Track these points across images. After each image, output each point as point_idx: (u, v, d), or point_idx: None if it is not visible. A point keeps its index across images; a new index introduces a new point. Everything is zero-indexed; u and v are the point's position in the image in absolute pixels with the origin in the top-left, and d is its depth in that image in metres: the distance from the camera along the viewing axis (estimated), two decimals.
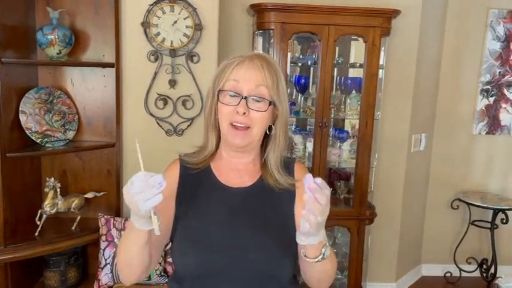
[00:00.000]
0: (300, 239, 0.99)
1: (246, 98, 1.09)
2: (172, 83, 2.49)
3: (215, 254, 1.08)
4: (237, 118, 1.10)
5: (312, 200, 0.90)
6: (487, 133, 3.47)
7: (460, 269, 3.47)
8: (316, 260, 1.01)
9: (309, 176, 0.90)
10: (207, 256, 1.08)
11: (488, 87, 3.40)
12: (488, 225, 3.34)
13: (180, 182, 1.17)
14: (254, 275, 1.09)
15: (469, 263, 3.53)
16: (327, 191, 0.91)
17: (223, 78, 1.13)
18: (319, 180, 0.89)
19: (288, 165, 1.22)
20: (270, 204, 1.17)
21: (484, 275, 3.44)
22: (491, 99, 3.42)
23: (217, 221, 1.12)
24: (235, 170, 1.19)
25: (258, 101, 1.11)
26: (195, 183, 1.17)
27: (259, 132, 1.14)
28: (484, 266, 3.46)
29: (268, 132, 1.17)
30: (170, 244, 1.20)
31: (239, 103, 1.09)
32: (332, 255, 1.09)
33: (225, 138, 1.15)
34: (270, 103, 1.12)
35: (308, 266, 1.07)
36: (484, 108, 3.43)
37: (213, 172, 1.19)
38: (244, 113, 1.09)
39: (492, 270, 3.36)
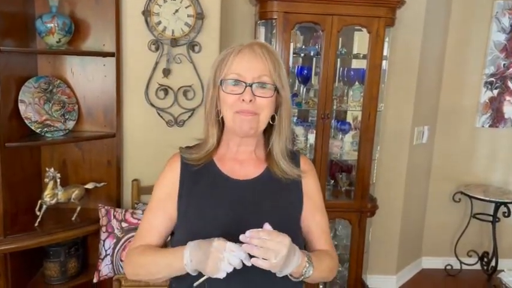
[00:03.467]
0: (277, 273, 1.01)
1: (250, 85, 1.07)
2: (167, 72, 2.45)
3: None
4: (243, 106, 1.07)
5: (250, 250, 0.95)
6: (490, 126, 3.44)
7: (461, 262, 3.47)
8: (301, 278, 1.06)
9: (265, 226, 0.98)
10: None
11: (493, 79, 3.37)
12: (490, 218, 3.33)
13: (181, 177, 1.16)
14: (260, 269, 1.07)
15: (470, 256, 3.53)
16: (262, 234, 0.96)
17: (224, 69, 1.10)
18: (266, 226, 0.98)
19: (294, 157, 1.21)
20: (277, 196, 1.15)
21: (485, 268, 3.44)
22: (495, 91, 3.39)
23: (222, 215, 1.10)
24: (239, 161, 1.17)
25: (262, 87, 1.09)
26: (198, 176, 1.15)
27: (265, 119, 1.12)
28: (485, 259, 3.46)
29: (271, 122, 1.14)
30: (170, 237, 1.19)
31: (244, 91, 1.07)
32: (324, 259, 1.13)
33: (231, 128, 1.13)
34: (276, 89, 1.10)
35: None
36: (487, 101, 3.40)
37: (216, 165, 1.17)
38: (251, 100, 1.07)
39: (493, 263, 3.37)
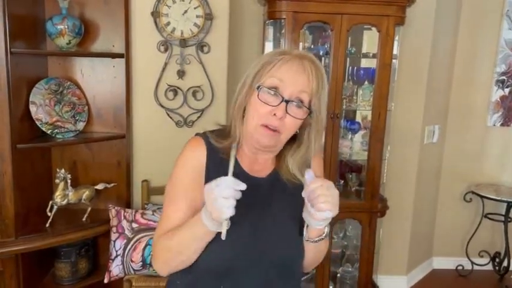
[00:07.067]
0: (319, 224, 1.03)
1: (287, 102, 1.03)
2: (181, 73, 2.46)
3: (244, 246, 1.07)
4: (272, 121, 1.04)
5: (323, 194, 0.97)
6: (502, 125, 3.41)
7: (472, 262, 3.44)
8: (319, 238, 1.09)
9: (310, 174, 1.00)
10: (237, 247, 1.06)
11: (504, 77, 3.33)
12: (502, 218, 3.30)
13: (208, 163, 1.11)
14: (273, 266, 1.09)
15: (482, 256, 3.49)
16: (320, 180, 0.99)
17: (266, 73, 1.06)
18: (311, 173, 1.00)
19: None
20: (287, 195, 1.15)
21: (497, 268, 3.41)
22: (507, 90, 3.35)
23: (243, 212, 1.06)
24: (257, 162, 1.17)
25: (298, 106, 1.05)
26: (222, 168, 1.09)
27: (286, 139, 1.10)
28: (497, 260, 3.43)
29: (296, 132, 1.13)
30: None
31: (278, 105, 1.03)
32: None
33: (250, 136, 1.09)
34: (310, 113, 1.07)
35: (308, 247, 1.12)
36: (499, 100, 3.37)
37: (237, 160, 1.14)
38: (281, 118, 1.04)
39: (505, 263, 3.34)
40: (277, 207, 1.13)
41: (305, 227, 1.09)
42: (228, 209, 0.91)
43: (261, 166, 1.16)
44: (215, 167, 1.10)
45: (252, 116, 1.07)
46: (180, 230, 1.04)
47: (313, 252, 1.15)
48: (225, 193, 0.90)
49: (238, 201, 1.03)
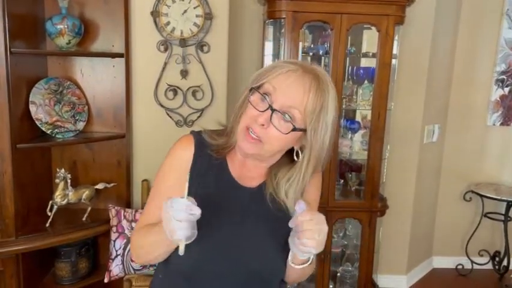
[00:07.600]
0: (302, 256, 1.00)
1: (273, 110, 0.99)
2: (184, 73, 2.46)
3: (215, 252, 1.05)
4: (254, 126, 1.01)
5: (308, 229, 0.92)
6: (502, 124, 3.41)
7: (472, 262, 3.44)
8: (304, 266, 1.05)
9: (300, 205, 0.95)
10: (207, 252, 1.05)
11: (504, 77, 3.33)
12: (502, 217, 3.30)
13: (194, 162, 1.10)
14: (248, 277, 1.08)
15: (481, 256, 3.50)
16: (308, 215, 0.94)
17: (264, 78, 1.02)
18: (302, 205, 0.94)
19: None
20: (273, 209, 1.11)
21: (497, 267, 3.41)
22: (506, 89, 3.35)
23: (224, 220, 1.08)
24: (247, 168, 1.14)
25: (284, 119, 1.00)
26: (208, 170, 1.10)
27: (270, 151, 1.05)
28: (497, 259, 3.43)
29: (296, 158, 1.08)
30: None
31: (264, 111, 1.00)
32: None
33: (236, 140, 1.07)
34: (294, 129, 1.00)
35: (293, 270, 1.08)
36: (498, 99, 3.37)
37: (227, 165, 1.13)
38: (263, 125, 0.99)
39: (505, 262, 3.35)
40: (262, 219, 1.10)
41: (291, 251, 1.05)
42: (180, 231, 0.89)
43: (253, 174, 1.13)
44: (201, 170, 1.10)
45: (242, 118, 1.05)
46: (151, 231, 1.04)
47: (298, 274, 1.12)
48: (178, 216, 0.88)
49: (220, 206, 1.03)
